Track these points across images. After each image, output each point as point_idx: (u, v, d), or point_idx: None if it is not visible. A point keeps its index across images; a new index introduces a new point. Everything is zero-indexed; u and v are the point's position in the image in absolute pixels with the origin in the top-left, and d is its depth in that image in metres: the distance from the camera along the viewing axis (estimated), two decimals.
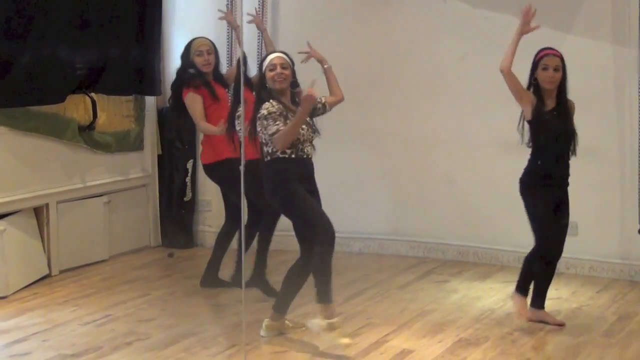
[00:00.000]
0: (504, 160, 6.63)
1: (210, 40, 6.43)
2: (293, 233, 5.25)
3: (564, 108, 5.39)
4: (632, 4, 6.41)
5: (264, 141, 5.15)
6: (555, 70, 5.31)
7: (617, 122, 6.58)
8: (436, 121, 7.31)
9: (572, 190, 5.49)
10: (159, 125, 8.00)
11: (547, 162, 5.37)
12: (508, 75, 5.23)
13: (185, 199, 7.99)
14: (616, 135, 6.61)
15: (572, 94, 5.44)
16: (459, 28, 7.16)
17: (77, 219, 7.13)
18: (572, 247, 5.94)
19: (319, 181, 5.27)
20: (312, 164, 5.23)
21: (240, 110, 5.42)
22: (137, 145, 7.79)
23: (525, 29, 5.27)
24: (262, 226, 6.19)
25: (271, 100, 5.14)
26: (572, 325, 5.52)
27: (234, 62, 7.18)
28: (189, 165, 7.96)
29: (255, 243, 6.31)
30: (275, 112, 5.09)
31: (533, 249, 5.49)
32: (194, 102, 6.21)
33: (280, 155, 5.10)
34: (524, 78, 5.35)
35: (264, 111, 5.10)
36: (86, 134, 7.17)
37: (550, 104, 5.36)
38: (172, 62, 7.62)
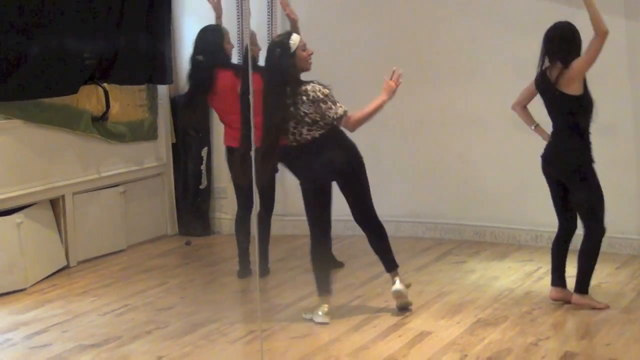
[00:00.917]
0: (519, 139, 6.58)
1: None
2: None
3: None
4: None
5: (317, 119, 5.11)
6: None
7: (631, 98, 6.54)
8: (450, 102, 7.27)
9: None
10: (173, 114, 8.01)
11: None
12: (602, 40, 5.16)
13: (200, 186, 8.00)
14: (631, 111, 6.55)
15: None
16: (473, 8, 7.10)
17: (93, 209, 7.16)
18: None
19: None
20: None
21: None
22: (151, 134, 7.79)
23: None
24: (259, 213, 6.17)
25: (313, 84, 5.13)
26: None
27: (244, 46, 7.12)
28: (204, 152, 7.96)
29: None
30: (330, 93, 5.12)
31: (559, 234, 5.40)
32: None
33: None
34: (527, 61, 5.30)
35: (317, 94, 5.08)
36: (100, 125, 7.18)
37: None
38: (183, 50, 7.62)
